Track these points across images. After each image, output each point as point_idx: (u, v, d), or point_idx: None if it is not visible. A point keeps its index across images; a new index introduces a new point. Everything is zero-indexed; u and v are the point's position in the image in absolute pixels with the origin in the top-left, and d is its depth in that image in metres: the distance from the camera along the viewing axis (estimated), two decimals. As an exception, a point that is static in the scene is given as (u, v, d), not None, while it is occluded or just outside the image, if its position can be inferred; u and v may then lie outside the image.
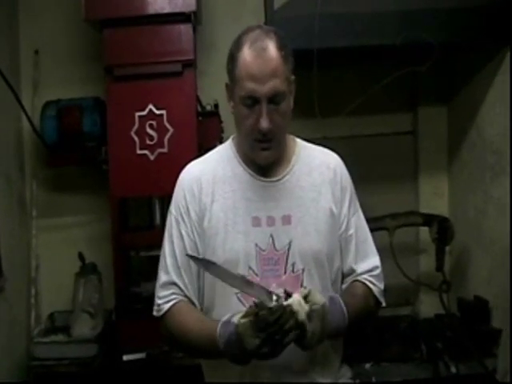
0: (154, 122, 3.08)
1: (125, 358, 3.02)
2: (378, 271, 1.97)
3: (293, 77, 1.85)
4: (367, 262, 1.97)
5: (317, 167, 1.96)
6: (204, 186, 1.91)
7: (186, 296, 1.91)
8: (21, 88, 3.46)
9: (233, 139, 2.00)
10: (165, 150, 3.07)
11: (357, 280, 1.95)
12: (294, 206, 1.89)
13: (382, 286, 1.97)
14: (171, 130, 3.07)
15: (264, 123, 1.77)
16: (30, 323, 3.46)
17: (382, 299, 1.97)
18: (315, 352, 1.83)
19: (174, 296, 1.90)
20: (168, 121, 3.07)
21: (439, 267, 3.15)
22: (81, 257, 3.28)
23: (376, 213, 3.19)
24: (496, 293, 2.98)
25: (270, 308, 1.63)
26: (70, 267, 3.30)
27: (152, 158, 3.07)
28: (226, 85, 1.89)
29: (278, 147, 1.86)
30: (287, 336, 1.63)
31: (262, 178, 1.91)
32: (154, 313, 1.93)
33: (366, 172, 3.36)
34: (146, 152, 3.08)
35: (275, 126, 1.79)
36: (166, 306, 1.89)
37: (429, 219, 3.20)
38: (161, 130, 3.08)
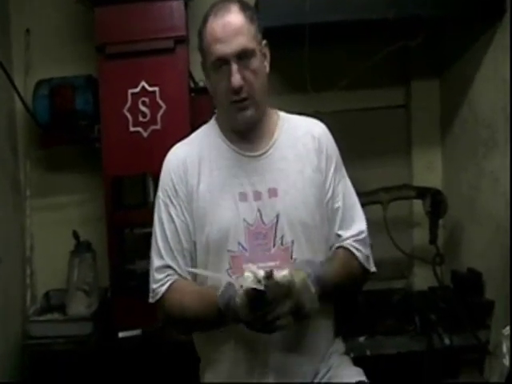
0: (146, 99, 3.07)
1: (120, 335, 3.03)
2: (362, 235, 1.99)
3: (264, 41, 1.91)
4: (352, 227, 1.99)
5: (301, 137, 1.98)
6: (190, 167, 1.94)
7: (180, 276, 1.92)
8: (12, 67, 3.45)
9: (216, 119, 2.02)
10: (158, 126, 3.07)
11: (341, 246, 1.97)
12: (279, 179, 1.91)
13: (367, 251, 1.99)
14: (164, 106, 3.07)
15: (235, 80, 1.80)
16: (26, 303, 3.47)
17: (367, 265, 1.99)
18: (305, 326, 1.87)
19: (168, 277, 1.92)
20: (161, 97, 3.07)
21: (432, 240, 3.16)
22: (75, 235, 3.28)
23: (369, 187, 3.21)
24: (489, 265, 3.00)
25: (266, 286, 1.62)
26: (65, 246, 3.30)
27: (145, 135, 3.07)
28: (201, 63, 1.93)
29: (256, 108, 1.88)
30: (281, 317, 1.66)
31: (246, 153, 1.94)
32: (151, 300, 1.95)
33: (358, 146, 3.41)
34: (139, 129, 3.08)
35: (247, 83, 1.83)
36: (163, 289, 1.91)
37: (422, 192, 3.20)
38: (153, 107, 3.07)
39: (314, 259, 1.86)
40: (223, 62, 1.82)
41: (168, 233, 1.94)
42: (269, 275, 1.62)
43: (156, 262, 1.95)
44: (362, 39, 3.21)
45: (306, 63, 2.77)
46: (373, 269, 2.02)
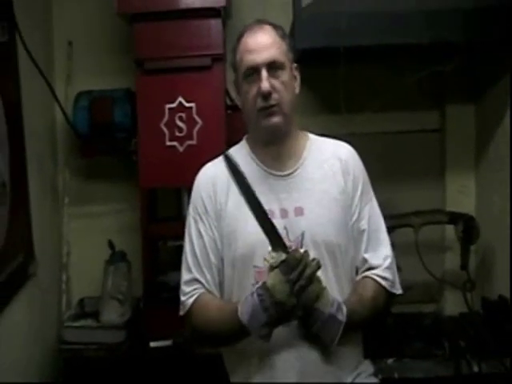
0: (183, 115, 3.10)
1: (151, 344, 3.08)
2: (388, 262, 2.04)
3: (295, 64, 2.02)
4: (379, 253, 2.03)
5: (328, 159, 2.03)
6: (219, 185, 2.01)
7: (207, 290, 1.99)
8: (54, 78, 3.51)
9: (246, 139, 2.07)
10: (194, 142, 3.10)
11: (367, 276, 2.01)
12: (305, 198, 1.97)
13: (392, 277, 2.04)
14: (200, 122, 3.10)
15: (264, 85, 1.90)
16: (61, 308, 3.54)
17: (395, 289, 2.04)
18: (332, 346, 1.90)
19: (196, 291, 2.00)
20: (197, 113, 3.10)
21: (464, 266, 3.14)
22: (110, 245, 3.34)
23: (402, 210, 3.20)
24: (520, 293, 2.97)
25: (288, 253, 1.81)
26: (100, 254, 3.37)
27: (181, 149, 3.11)
28: (234, 82, 2.04)
29: (283, 117, 1.96)
30: (310, 280, 1.78)
31: (275, 172, 2.01)
32: (181, 312, 2.03)
33: (392, 169, 3.42)
34: (175, 144, 3.11)
35: (276, 91, 1.91)
36: (190, 301, 2.00)
37: (454, 217, 3.18)
38: (190, 123, 3.10)
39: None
40: (254, 70, 1.91)
41: (197, 248, 2.02)
42: (285, 246, 1.85)
43: (185, 275, 2.04)
44: (397, 62, 3.19)
45: (341, 85, 2.77)
46: (399, 291, 2.07)
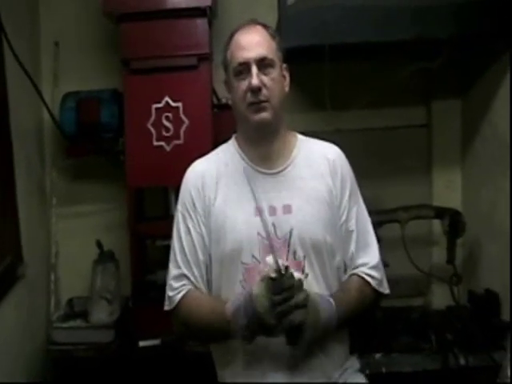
0: (170, 114, 3.12)
1: (140, 344, 3.10)
2: (375, 261, 2.05)
3: (285, 65, 2.04)
4: (366, 253, 2.05)
5: (316, 159, 2.05)
6: (208, 181, 2.02)
7: (195, 287, 2.00)
8: (41, 79, 3.53)
9: (235, 137, 2.09)
10: (180, 141, 3.12)
11: (354, 274, 2.03)
12: (294, 196, 1.99)
13: (380, 276, 2.05)
14: (187, 122, 3.12)
15: (254, 80, 1.92)
16: (50, 308, 3.54)
17: (382, 289, 2.06)
18: (318, 342, 1.91)
19: (184, 287, 2.00)
20: (184, 113, 3.12)
21: (450, 260, 3.17)
22: (99, 244, 3.35)
23: (389, 205, 3.23)
24: (506, 286, 2.99)
25: (284, 275, 1.75)
26: (89, 254, 3.37)
27: (168, 149, 3.13)
28: (224, 81, 2.06)
29: (272, 112, 1.97)
30: (295, 310, 1.75)
31: (264, 170, 2.02)
32: (166, 307, 2.03)
33: (379, 165, 3.44)
34: (162, 143, 3.13)
35: (266, 87, 1.93)
36: (178, 297, 2.00)
37: (440, 212, 3.21)
38: (177, 122, 3.12)
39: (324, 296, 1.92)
40: (244, 67, 1.94)
41: (185, 244, 2.03)
42: (286, 267, 1.77)
43: (173, 271, 2.04)
44: (383, 58, 3.22)
45: (326, 81, 2.79)
46: (386, 291, 2.08)
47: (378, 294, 2.05)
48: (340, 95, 2.97)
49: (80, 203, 3.65)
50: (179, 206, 2.07)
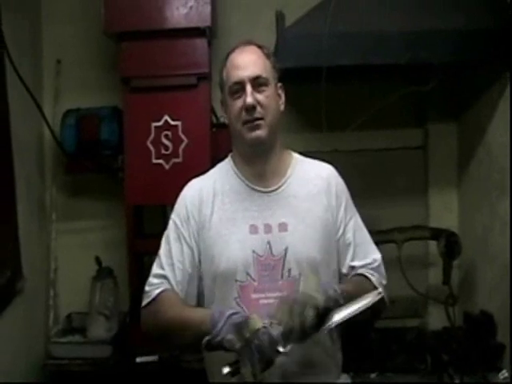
0: (169, 133, 3.16)
1: (138, 360, 3.11)
2: (376, 263, 2.07)
3: (280, 84, 2.04)
4: (367, 258, 2.06)
5: (311, 179, 2.07)
6: (204, 198, 2.03)
7: (174, 291, 1.98)
8: (43, 96, 3.57)
9: (231, 156, 2.10)
10: (179, 159, 3.16)
11: (355, 274, 2.04)
12: (289, 215, 1.99)
13: (381, 278, 2.05)
14: (186, 140, 3.15)
15: (249, 99, 1.93)
16: (49, 323, 3.56)
17: (381, 289, 1.99)
18: (311, 358, 1.92)
19: (163, 285, 1.98)
20: (183, 131, 3.16)
21: (446, 281, 3.18)
22: (97, 261, 3.37)
23: (386, 226, 3.25)
24: (500, 307, 2.99)
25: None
26: (87, 270, 3.39)
27: (167, 167, 3.16)
28: (221, 101, 2.07)
29: (267, 130, 1.98)
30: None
31: (259, 189, 2.03)
32: (143, 302, 1.99)
33: (375, 186, 3.47)
34: (161, 161, 3.16)
35: (261, 105, 1.95)
36: (156, 292, 1.97)
37: (436, 233, 3.22)
38: (176, 141, 3.16)
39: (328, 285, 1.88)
40: (239, 86, 1.95)
41: (173, 250, 2.02)
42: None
43: (155, 270, 2.03)
44: (377, 80, 3.26)
45: (322, 103, 2.82)
46: (385, 297, 2.04)
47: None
48: (336, 116, 2.97)
49: (79, 219, 3.68)
50: (173, 215, 2.07)
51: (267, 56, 2.02)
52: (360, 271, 2.04)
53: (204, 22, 3.10)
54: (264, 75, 1.96)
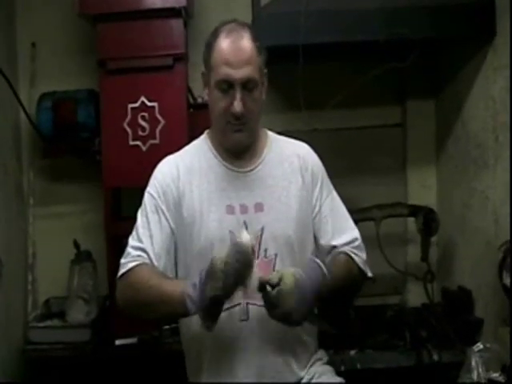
0: (146, 114, 3.15)
1: (117, 342, 3.10)
2: (357, 242, 2.08)
3: (265, 70, 2.01)
4: (345, 236, 2.06)
5: (287, 157, 2.07)
6: (181, 175, 2.03)
7: (152, 264, 1.95)
8: (18, 80, 3.54)
9: (207, 133, 2.11)
10: (156, 141, 3.15)
11: (339, 252, 2.04)
12: (266, 195, 2.00)
13: (364, 256, 2.08)
14: (163, 121, 3.14)
15: (238, 107, 1.90)
16: (27, 309, 3.54)
17: (366, 269, 2.07)
18: (287, 333, 1.93)
19: (141, 258, 1.96)
20: (160, 113, 3.15)
21: (424, 257, 3.22)
22: (76, 244, 3.35)
23: (365, 204, 3.27)
24: (479, 283, 3.03)
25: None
26: (66, 254, 3.37)
27: (144, 148, 3.15)
28: (202, 73, 2.03)
29: (250, 132, 1.99)
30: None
31: (236, 169, 2.03)
32: (119, 273, 1.97)
33: (354, 164, 3.48)
34: (138, 143, 3.15)
35: (248, 110, 1.93)
36: (133, 264, 1.94)
37: (415, 210, 3.25)
38: (153, 122, 3.15)
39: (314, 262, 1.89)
40: (228, 84, 1.91)
41: (151, 221, 2.00)
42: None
43: (132, 242, 2.01)
44: (356, 58, 3.28)
45: (300, 82, 2.82)
46: (369, 274, 2.10)
47: (362, 275, 2.07)
48: (315, 95, 2.97)
49: (57, 203, 3.65)
50: (149, 188, 2.05)
51: (259, 51, 1.95)
52: (344, 250, 2.04)
53: (179, 3, 3.08)
54: (255, 77, 1.92)
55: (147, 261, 1.95)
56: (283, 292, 1.74)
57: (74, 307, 3.32)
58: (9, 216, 3.36)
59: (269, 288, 1.75)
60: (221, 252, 1.71)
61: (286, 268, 1.85)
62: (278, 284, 1.74)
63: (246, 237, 1.67)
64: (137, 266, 1.93)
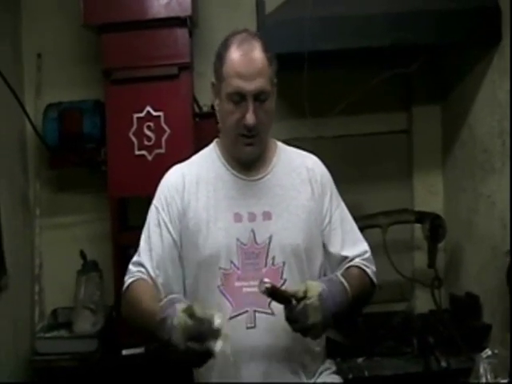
0: (151, 124, 3.15)
1: (124, 352, 3.09)
2: (367, 255, 2.10)
3: (275, 80, 2.00)
4: (356, 248, 2.08)
5: (296, 168, 2.07)
6: (187, 185, 2.02)
7: (151, 278, 1.97)
8: (24, 90, 3.55)
9: (216, 142, 2.11)
10: (162, 150, 3.15)
11: (351, 265, 2.05)
12: (274, 203, 2.00)
13: (374, 268, 2.09)
14: (168, 131, 3.15)
15: (250, 119, 1.89)
16: (34, 319, 3.54)
17: (375, 280, 2.09)
18: (295, 342, 1.93)
19: (138, 274, 1.99)
20: (165, 122, 3.15)
21: (431, 264, 3.20)
22: (82, 255, 3.36)
23: (371, 211, 3.27)
24: (486, 288, 3.03)
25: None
26: (73, 265, 3.37)
27: (150, 158, 3.15)
28: (212, 83, 2.01)
29: (260, 144, 1.99)
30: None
31: (244, 177, 2.03)
32: (122, 291, 2.01)
33: (360, 170, 3.49)
34: (143, 152, 3.15)
35: (260, 122, 1.92)
36: (130, 281, 1.99)
37: (421, 217, 3.24)
38: (158, 131, 3.15)
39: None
40: (240, 96, 1.90)
41: (152, 235, 2.03)
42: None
43: (134, 258, 2.06)
44: (361, 65, 3.27)
45: (305, 89, 2.82)
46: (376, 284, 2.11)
47: (373, 286, 2.09)
48: (320, 102, 2.98)
49: (63, 214, 3.66)
50: (154, 201, 2.07)
51: (270, 62, 1.95)
52: (356, 263, 2.05)
53: (184, 12, 3.09)
54: (267, 88, 1.92)
55: (145, 276, 1.98)
56: (309, 307, 1.76)
57: (80, 317, 3.32)
58: (15, 227, 3.36)
59: (294, 301, 1.77)
60: (186, 322, 1.65)
61: (310, 282, 1.86)
62: (302, 298, 1.76)
63: (217, 321, 1.64)
64: (134, 282, 1.97)
